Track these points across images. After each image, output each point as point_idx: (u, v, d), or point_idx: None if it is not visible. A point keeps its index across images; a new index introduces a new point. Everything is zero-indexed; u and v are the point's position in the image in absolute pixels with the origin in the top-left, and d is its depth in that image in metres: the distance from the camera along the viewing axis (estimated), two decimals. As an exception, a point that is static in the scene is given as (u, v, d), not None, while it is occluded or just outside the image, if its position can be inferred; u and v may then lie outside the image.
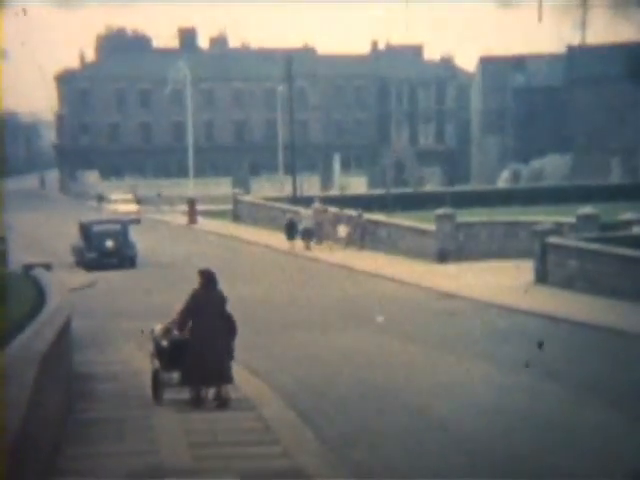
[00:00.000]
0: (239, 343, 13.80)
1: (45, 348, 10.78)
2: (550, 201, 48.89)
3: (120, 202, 60.38)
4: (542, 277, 26.66)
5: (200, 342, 13.22)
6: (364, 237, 37.32)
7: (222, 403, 13.38)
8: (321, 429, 12.50)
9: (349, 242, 37.54)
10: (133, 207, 59.21)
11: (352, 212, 38.56)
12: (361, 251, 36.47)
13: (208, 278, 13.56)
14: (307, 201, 44.79)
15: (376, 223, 38.24)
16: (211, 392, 13.54)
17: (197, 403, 13.43)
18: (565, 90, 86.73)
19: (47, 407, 10.31)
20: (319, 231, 39.19)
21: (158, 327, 13.88)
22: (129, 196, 63.40)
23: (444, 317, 22.59)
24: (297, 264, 34.88)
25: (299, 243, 38.60)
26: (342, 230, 37.85)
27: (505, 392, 14.79)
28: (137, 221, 51.25)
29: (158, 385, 13.70)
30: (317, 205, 41.19)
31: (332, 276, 31.23)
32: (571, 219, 32.16)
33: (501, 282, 27.23)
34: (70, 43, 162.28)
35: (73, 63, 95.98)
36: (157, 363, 13.72)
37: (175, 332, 13.64)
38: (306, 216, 39.52)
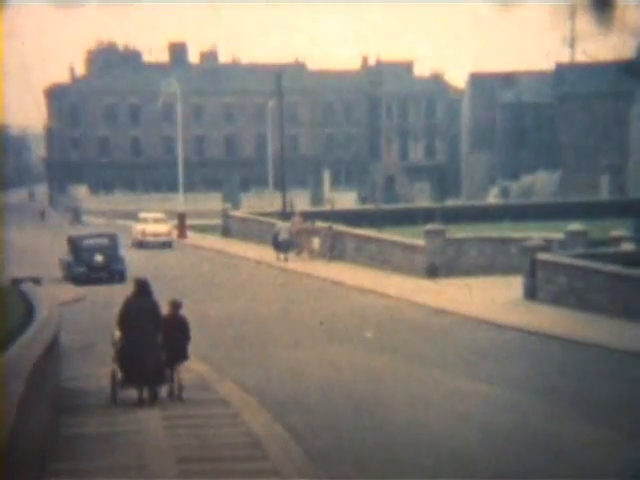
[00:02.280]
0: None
1: (33, 363, 10.73)
2: (539, 217, 48.96)
3: (150, 222, 49.50)
4: (531, 293, 26.69)
5: (132, 345, 14.42)
6: (333, 249, 38.75)
7: (175, 400, 14.71)
8: (309, 444, 12.46)
9: (320, 253, 38.96)
10: (164, 228, 49.13)
11: (324, 225, 40.02)
12: (330, 262, 37.80)
13: (141, 286, 14.79)
14: (312, 218, 44.94)
15: (366, 238, 38.32)
16: (164, 391, 14.82)
17: (139, 402, 14.47)
18: (554, 107, 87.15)
19: (34, 422, 10.25)
20: (298, 243, 40.49)
21: (117, 333, 14.91)
22: (160, 215, 51.73)
23: (434, 333, 22.58)
24: (286, 279, 34.85)
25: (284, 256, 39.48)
26: (316, 242, 39.68)
27: (495, 409, 14.78)
28: (168, 244, 47.23)
29: (115, 385, 14.77)
30: (296, 218, 42.39)
31: (322, 291, 31.19)
32: (560, 235, 32.23)
33: (491, 298, 27.25)
34: (60, 57, 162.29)
35: (63, 77, 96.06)
36: (114, 365, 14.78)
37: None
38: (283, 229, 40.55)
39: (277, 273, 36.64)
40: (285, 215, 49.71)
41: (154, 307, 14.61)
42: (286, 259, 38.91)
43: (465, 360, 18.95)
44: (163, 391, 14.93)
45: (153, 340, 14.46)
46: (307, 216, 44.16)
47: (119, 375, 14.64)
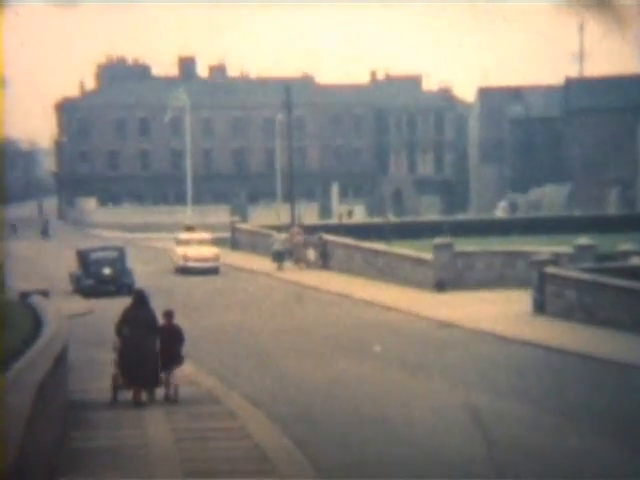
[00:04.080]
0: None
1: (41, 377, 10.73)
2: (548, 231, 48.87)
3: (193, 243, 41.71)
4: (540, 307, 26.62)
5: (129, 351, 15.54)
6: (324, 257, 40.59)
7: (171, 401, 15.66)
8: (317, 458, 12.43)
9: (315, 263, 40.61)
10: (209, 251, 41.41)
11: (315, 236, 41.78)
12: (322, 271, 39.44)
13: (138, 297, 16.07)
14: (309, 229, 45.96)
15: (374, 251, 38.37)
16: (160, 394, 15.75)
17: (136, 404, 15.45)
18: (563, 121, 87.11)
19: (42, 436, 10.25)
20: (296, 253, 41.70)
21: (117, 339, 16.02)
22: (204, 234, 43.88)
23: (442, 347, 22.53)
24: (294, 292, 34.84)
25: (289, 266, 40.95)
26: (311, 253, 41.10)
27: (502, 422, 14.73)
28: (214, 270, 40.28)
29: (115, 388, 15.89)
30: (295, 229, 43.91)
31: (331, 305, 31.15)
32: (569, 249, 32.16)
33: (499, 312, 27.18)
34: (70, 70, 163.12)
35: (73, 91, 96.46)
36: (115, 369, 15.88)
37: None
38: (278, 240, 41.81)
39: (283, 287, 36.60)
40: (307, 229, 49.74)
41: (151, 316, 15.81)
42: (280, 268, 40.22)
43: (474, 374, 18.89)
44: (160, 394, 15.88)
45: (149, 346, 15.60)
46: (315, 229, 44.97)
47: (119, 378, 15.76)
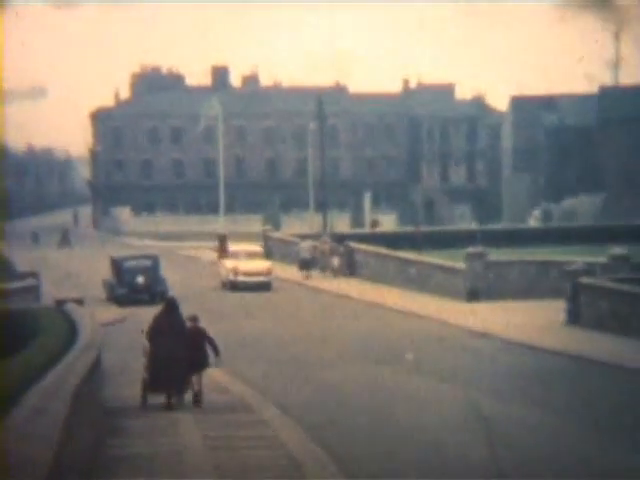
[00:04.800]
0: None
1: (77, 383, 10.87)
2: (581, 241, 48.52)
3: (242, 256, 38.68)
4: (573, 318, 26.46)
5: (159, 356, 15.97)
6: (350, 266, 41.49)
7: (197, 404, 16.14)
8: (349, 467, 12.46)
9: (338, 272, 41.36)
10: (261, 264, 38.69)
11: (341, 244, 42.84)
12: (349, 279, 39.99)
13: (169, 304, 16.63)
14: (337, 238, 46.36)
15: (406, 260, 38.34)
16: (187, 398, 16.14)
17: (167, 407, 15.93)
18: (597, 130, 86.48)
19: (78, 442, 10.38)
20: (322, 261, 42.46)
21: (147, 345, 16.39)
22: (255, 247, 41.52)
23: (474, 356, 22.47)
24: (325, 301, 34.87)
25: (316, 274, 41.72)
26: (335, 261, 41.90)
27: (533, 432, 14.68)
28: (266, 285, 37.42)
29: (145, 391, 16.32)
30: (324, 238, 44.96)
31: (363, 313, 31.17)
32: (603, 259, 31.94)
33: (531, 322, 27.05)
34: (106, 80, 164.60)
35: (108, 101, 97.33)
36: (145, 374, 16.34)
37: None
38: (304, 248, 42.46)
39: (313, 295, 36.63)
40: (335, 237, 49.96)
41: (180, 322, 16.27)
42: (307, 277, 40.68)
43: (507, 384, 18.82)
44: (188, 398, 16.23)
45: (178, 352, 15.98)
46: (342, 238, 45.85)
47: (149, 382, 16.22)
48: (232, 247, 41.01)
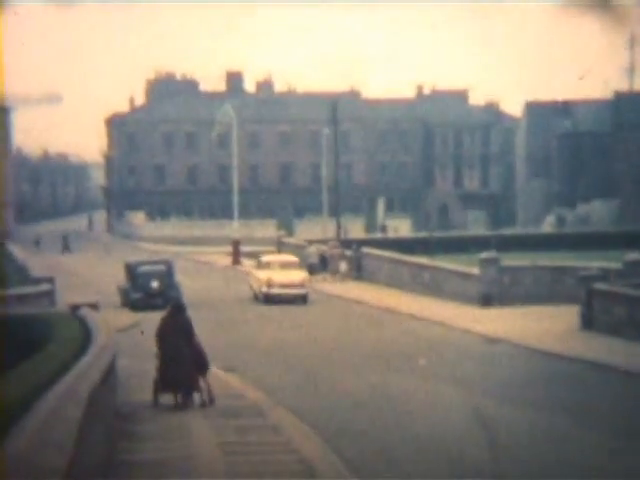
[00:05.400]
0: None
1: (91, 389, 10.89)
2: (596, 247, 48.37)
3: (276, 267, 36.27)
4: (588, 323, 26.36)
5: (166, 357, 16.57)
6: (359, 269, 42.47)
7: (206, 404, 16.45)
8: (363, 474, 12.44)
9: (346, 276, 42.38)
10: (297, 275, 36.14)
11: (350, 249, 43.99)
12: (357, 283, 40.84)
13: (175, 307, 17.22)
14: (350, 243, 47.18)
15: (420, 265, 38.29)
16: (197, 399, 16.59)
17: (177, 407, 16.40)
18: (612, 136, 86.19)
19: (92, 447, 10.39)
20: (331, 265, 43.44)
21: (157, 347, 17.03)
22: (289, 257, 39.22)
23: (489, 362, 22.41)
24: (338, 305, 34.84)
25: (325, 278, 42.54)
26: (343, 265, 42.78)
27: (550, 438, 14.63)
28: (302, 298, 34.81)
29: (156, 391, 16.85)
30: (332, 243, 46.80)
31: (376, 319, 31.14)
32: (618, 265, 31.82)
33: (546, 327, 26.96)
34: (121, 86, 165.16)
35: (123, 107, 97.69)
36: (156, 374, 16.86)
37: None
38: (312, 252, 44.00)
39: (326, 299, 36.62)
40: (339, 242, 50.14)
41: (187, 323, 16.82)
42: (317, 281, 40.88)
43: (521, 390, 18.76)
44: (197, 399, 16.64)
45: (184, 352, 16.52)
46: (352, 242, 47.01)
47: (159, 382, 16.77)
48: (263, 258, 37.87)
